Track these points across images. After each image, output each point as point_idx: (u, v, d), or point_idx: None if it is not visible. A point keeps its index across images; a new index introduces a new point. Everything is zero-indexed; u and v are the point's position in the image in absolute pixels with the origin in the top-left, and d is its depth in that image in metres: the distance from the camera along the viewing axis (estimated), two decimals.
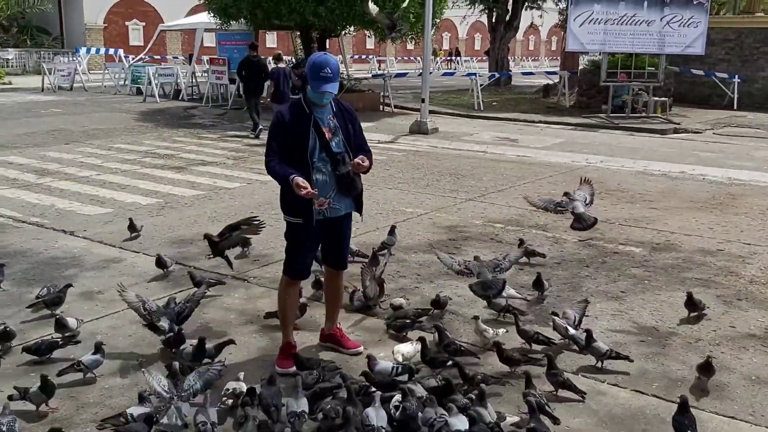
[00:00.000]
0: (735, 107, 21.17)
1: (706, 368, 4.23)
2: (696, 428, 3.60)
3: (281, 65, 15.33)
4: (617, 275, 6.34)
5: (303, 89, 4.25)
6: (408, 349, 4.40)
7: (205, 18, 22.45)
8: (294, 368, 4.24)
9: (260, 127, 14.85)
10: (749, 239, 7.58)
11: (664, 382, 4.30)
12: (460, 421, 3.44)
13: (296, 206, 4.19)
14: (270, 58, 18.86)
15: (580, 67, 24.30)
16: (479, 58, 49.62)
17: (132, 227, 7.22)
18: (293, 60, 23.05)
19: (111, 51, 32.90)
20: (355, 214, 4.53)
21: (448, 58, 49.52)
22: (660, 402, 4.04)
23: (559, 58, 44.38)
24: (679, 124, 17.61)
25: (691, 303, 5.32)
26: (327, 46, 21.60)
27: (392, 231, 6.81)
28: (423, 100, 16.03)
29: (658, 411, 3.95)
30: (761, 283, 6.18)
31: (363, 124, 4.57)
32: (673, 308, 5.51)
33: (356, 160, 4.17)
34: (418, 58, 45.91)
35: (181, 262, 6.52)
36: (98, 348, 4.22)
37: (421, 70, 18.06)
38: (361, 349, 4.66)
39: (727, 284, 6.12)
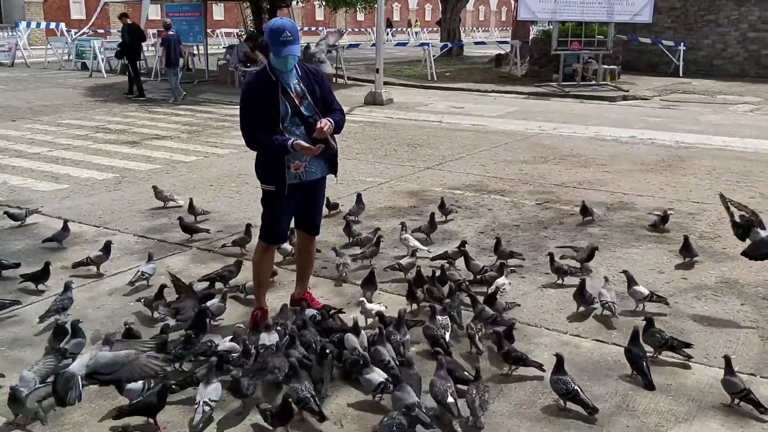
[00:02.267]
0: (681, 74, 21.76)
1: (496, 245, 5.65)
2: (647, 358, 3.93)
3: (171, 33, 16.45)
4: (575, 235, 6.56)
5: (267, 58, 4.22)
6: (375, 307, 4.56)
7: None
8: None
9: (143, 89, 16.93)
10: (697, 198, 7.90)
11: (622, 332, 4.50)
12: None
13: (271, 175, 4.24)
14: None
15: (531, 36, 24.52)
16: (430, 28, 49.53)
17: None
18: (244, 32, 22.66)
19: (52, 25, 31.76)
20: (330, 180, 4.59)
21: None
22: (620, 350, 4.23)
23: (509, 28, 44.68)
24: (627, 91, 18.01)
25: (581, 294, 4.80)
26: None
27: (359, 199, 6.89)
28: (377, 71, 16.02)
29: (618, 357, 4.15)
30: (709, 238, 6.48)
31: None
32: (628, 263, 5.72)
33: (317, 125, 4.13)
34: (369, 30, 45.70)
35: (143, 234, 6.50)
36: (150, 257, 5.34)
37: (374, 42, 18.02)
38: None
39: (678, 240, 6.35)
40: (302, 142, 4.09)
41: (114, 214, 7.13)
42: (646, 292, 4.81)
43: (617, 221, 7.01)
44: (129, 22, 17.16)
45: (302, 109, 4.20)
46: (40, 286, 5.12)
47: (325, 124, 4.13)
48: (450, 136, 11.95)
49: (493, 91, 18.50)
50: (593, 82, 18.77)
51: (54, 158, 9.85)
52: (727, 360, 3.74)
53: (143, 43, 18.40)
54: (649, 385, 3.83)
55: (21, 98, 16.26)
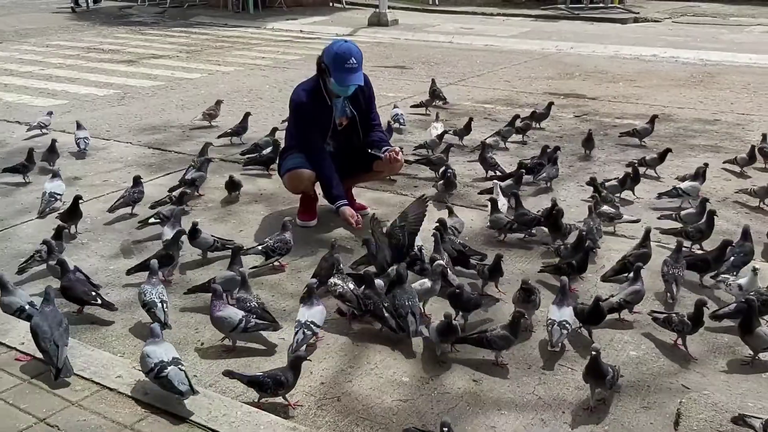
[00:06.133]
0: None
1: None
2: None
3: None
4: (624, 146, 6.13)
5: (321, 77, 4.09)
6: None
7: None
8: (314, 221, 4.32)
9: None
10: (742, 110, 7.48)
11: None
12: None
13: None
14: None
15: None
16: None
17: None
18: None
19: None
20: None
21: None
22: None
23: None
24: (638, 13, 17.33)
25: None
26: None
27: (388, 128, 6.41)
28: None
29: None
30: None
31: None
32: (688, 169, 5.30)
33: (391, 155, 4.18)
34: None
35: (159, 147, 5.99)
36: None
37: None
38: (369, 211, 4.55)
39: (733, 148, 5.97)
40: (347, 213, 4.02)
41: (122, 128, 6.61)
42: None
43: (664, 131, 6.57)
44: None
45: (344, 129, 4.25)
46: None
47: (398, 153, 4.21)
48: (465, 55, 11.36)
49: (498, 14, 17.73)
50: (601, 5, 18.06)
51: (47, 76, 9.20)
52: None
53: None
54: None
55: (5, 22, 15.33)
